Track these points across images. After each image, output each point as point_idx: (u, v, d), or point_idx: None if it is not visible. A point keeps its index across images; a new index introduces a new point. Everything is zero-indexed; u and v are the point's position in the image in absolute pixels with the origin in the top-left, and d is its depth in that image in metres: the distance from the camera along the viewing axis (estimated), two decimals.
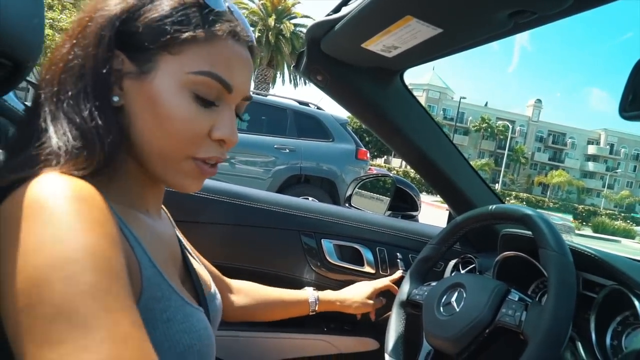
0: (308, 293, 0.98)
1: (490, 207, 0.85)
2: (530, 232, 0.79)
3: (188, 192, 0.54)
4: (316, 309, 0.97)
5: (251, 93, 0.57)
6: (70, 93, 0.46)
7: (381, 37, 0.76)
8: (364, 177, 1.56)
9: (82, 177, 0.43)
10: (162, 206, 0.66)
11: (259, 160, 5.05)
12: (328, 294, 1.00)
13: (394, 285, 1.04)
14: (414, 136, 1.03)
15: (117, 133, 0.47)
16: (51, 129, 0.45)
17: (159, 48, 0.47)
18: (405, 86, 1.01)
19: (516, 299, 0.71)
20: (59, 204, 0.38)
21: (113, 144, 0.46)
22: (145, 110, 0.48)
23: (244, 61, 0.52)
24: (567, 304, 0.62)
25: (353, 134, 5.44)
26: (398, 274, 1.08)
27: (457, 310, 0.74)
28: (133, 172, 0.53)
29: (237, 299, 0.89)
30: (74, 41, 0.48)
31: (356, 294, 1.01)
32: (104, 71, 0.47)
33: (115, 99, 0.48)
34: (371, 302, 1.00)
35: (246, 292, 0.91)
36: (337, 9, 0.81)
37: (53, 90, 0.47)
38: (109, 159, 0.46)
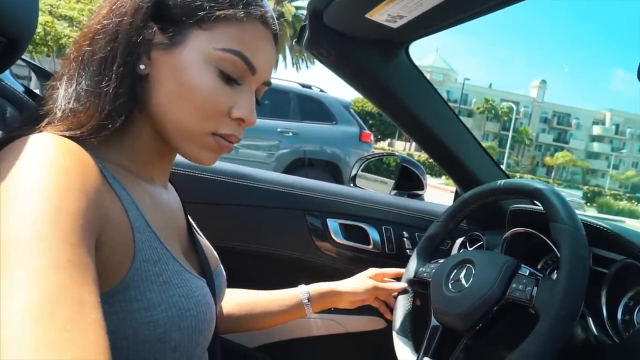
0: (300, 295, 0.87)
1: (499, 182, 0.83)
2: (540, 207, 0.77)
3: (202, 164, 0.55)
4: (312, 310, 0.87)
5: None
6: (97, 56, 0.48)
7: (386, 6, 0.73)
8: (369, 157, 1.54)
9: (80, 137, 0.45)
10: (170, 182, 0.67)
11: (262, 144, 5.04)
12: (321, 290, 0.89)
13: (392, 279, 0.95)
14: (419, 111, 1.01)
15: (130, 99, 0.49)
16: (62, 89, 0.49)
17: (192, 23, 0.49)
18: (411, 60, 0.98)
19: (527, 274, 0.69)
20: (31, 154, 0.40)
21: (120, 109, 0.48)
22: (170, 81, 0.50)
23: (269, 46, 0.55)
24: (580, 278, 0.61)
25: (356, 117, 5.40)
26: (401, 285, 0.92)
27: (466, 286, 0.73)
28: (145, 139, 0.54)
29: (221, 308, 0.81)
30: (112, 7, 0.50)
31: (355, 287, 0.91)
32: (137, 40, 0.48)
33: (142, 67, 0.50)
34: (367, 295, 0.91)
35: (231, 300, 0.83)
36: None
37: (81, 51, 0.50)
38: (111, 122, 0.47)
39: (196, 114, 0.51)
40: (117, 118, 0.48)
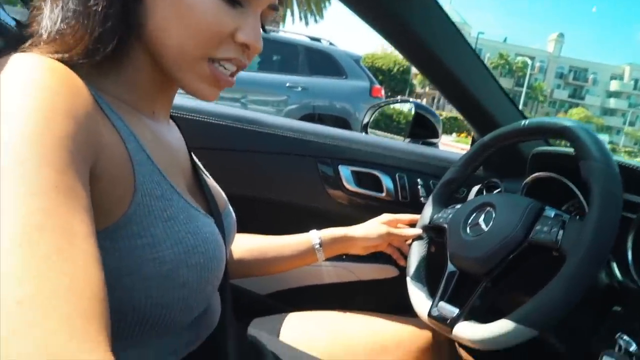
0: (312, 241, 0.86)
1: (522, 121, 0.78)
2: (564, 149, 0.73)
3: (203, 98, 0.52)
4: (323, 256, 0.86)
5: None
6: None
7: None
8: (382, 104, 1.48)
9: (69, 60, 0.42)
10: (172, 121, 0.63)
11: (270, 100, 4.95)
12: (333, 236, 0.87)
13: (406, 226, 0.92)
14: (437, 48, 0.93)
15: (122, 21, 0.44)
16: (47, 9, 0.44)
17: None
18: None
19: (552, 216, 0.66)
20: (13, 73, 0.36)
21: (111, 32, 0.44)
22: (165, 1, 0.46)
23: None
24: (613, 216, 0.57)
25: (367, 71, 5.25)
26: (415, 231, 0.90)
27: (486, 230, 0.70)
28: (144, 69, 0.50)
29: (232, 253, 0.81)
30: None
31: (368, 233, 0.89)
32: None
33: None
34: (380, 241, 0.88)
35: (241, 245, 0.82)
36: None
37: None
38: (102, 46, 0.43)
39: (195, 36, 0.46)
40: (109, 42, 0.44)
